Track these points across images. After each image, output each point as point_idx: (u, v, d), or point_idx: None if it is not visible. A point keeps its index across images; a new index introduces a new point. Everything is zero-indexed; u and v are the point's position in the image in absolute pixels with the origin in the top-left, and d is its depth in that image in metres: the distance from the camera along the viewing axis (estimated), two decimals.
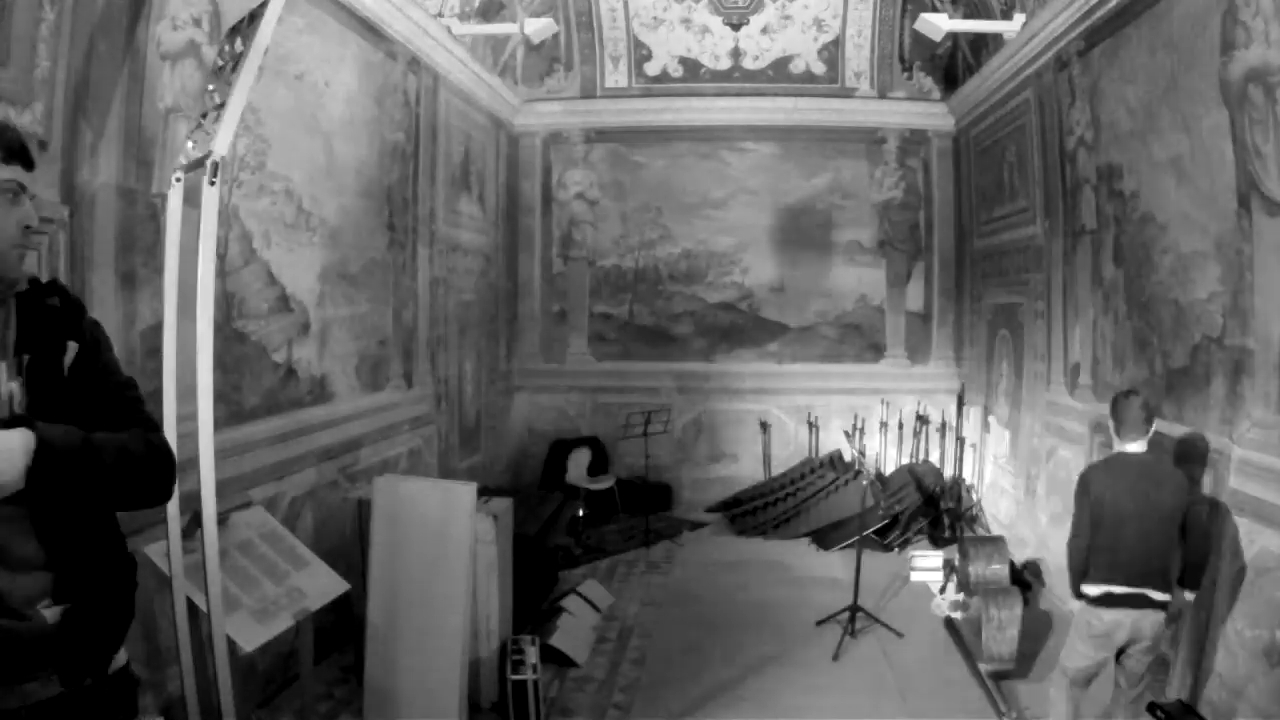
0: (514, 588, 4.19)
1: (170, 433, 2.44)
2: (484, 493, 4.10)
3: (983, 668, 4.11)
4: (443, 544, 3.67)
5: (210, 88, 2.50)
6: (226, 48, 2.54)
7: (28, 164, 1.48)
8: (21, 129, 2.57)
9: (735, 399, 8.02)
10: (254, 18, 2.47)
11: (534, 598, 4.90)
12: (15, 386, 1.43)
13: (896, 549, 6.36)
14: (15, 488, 1.31)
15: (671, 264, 8.12)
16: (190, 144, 2.49)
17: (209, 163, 2.27)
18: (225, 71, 2.44)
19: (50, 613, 1.45)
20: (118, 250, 3.01)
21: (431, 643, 3.64)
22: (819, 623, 4.84)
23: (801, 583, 5.71)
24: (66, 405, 1.48)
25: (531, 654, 3.72)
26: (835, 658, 4.45)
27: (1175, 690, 3.67)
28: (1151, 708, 3.21)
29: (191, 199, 2.50)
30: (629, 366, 8.12)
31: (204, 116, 2.44)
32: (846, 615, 4.77)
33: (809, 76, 7.92)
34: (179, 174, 2.49)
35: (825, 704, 3.97)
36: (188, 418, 2.52)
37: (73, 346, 1.53)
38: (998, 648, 4.07)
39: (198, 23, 3.39)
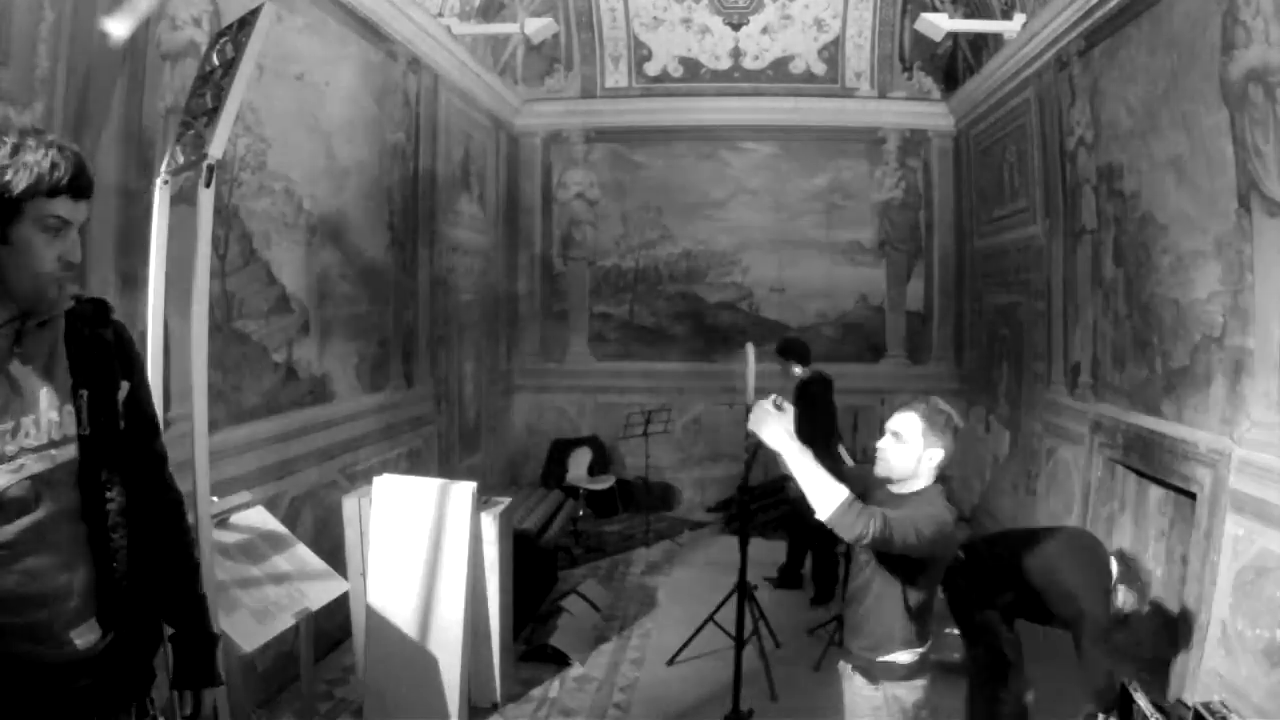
0: (514, 588, 4.19)
1: None
2: (484, 492, 4.10)
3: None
4: (442, 543, 3.68)
5: (201, 91, 2.49)
6: (215, 52, 2.53)
7: (78, 193, 1.40)
8: (21, 129, 2.58)
9: (736, 399, 8.01)
10: (244, 24, 2.46)
11: (533, 598, 4.90)
12: (59, 415, 1.43)
13: None
14: None
15: (671, 264, 8.12)
16: (179, 148, 2.48)
17: (204, 166, 2.27)
18: (216, 76, 2.44)
19: (83, 641, 1.45)
20: (118, 250, 3.01)
21: (432, 643, 3.65)
22: (810, 631, 4.82)
23: (805, 584, 5.70)
24: (117, 445, 1.51)
25: None
26: (816, 668, 4.39)
27: (1174, 690, 3.68)
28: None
29: (188, 199, 2.50)
30: (629, 366, 8.12)
31: (194, 119, 2.44)
32: (834, 624, 4.65)
33: (809, 76, 7.91)
34: (165, 177, 2.50)
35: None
36: (183, 418, 2.52)
37: (125, 385, 1.55)
38: None
39: (198, 23, 3.39)
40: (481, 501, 3.92)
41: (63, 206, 1.38)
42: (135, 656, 1.58)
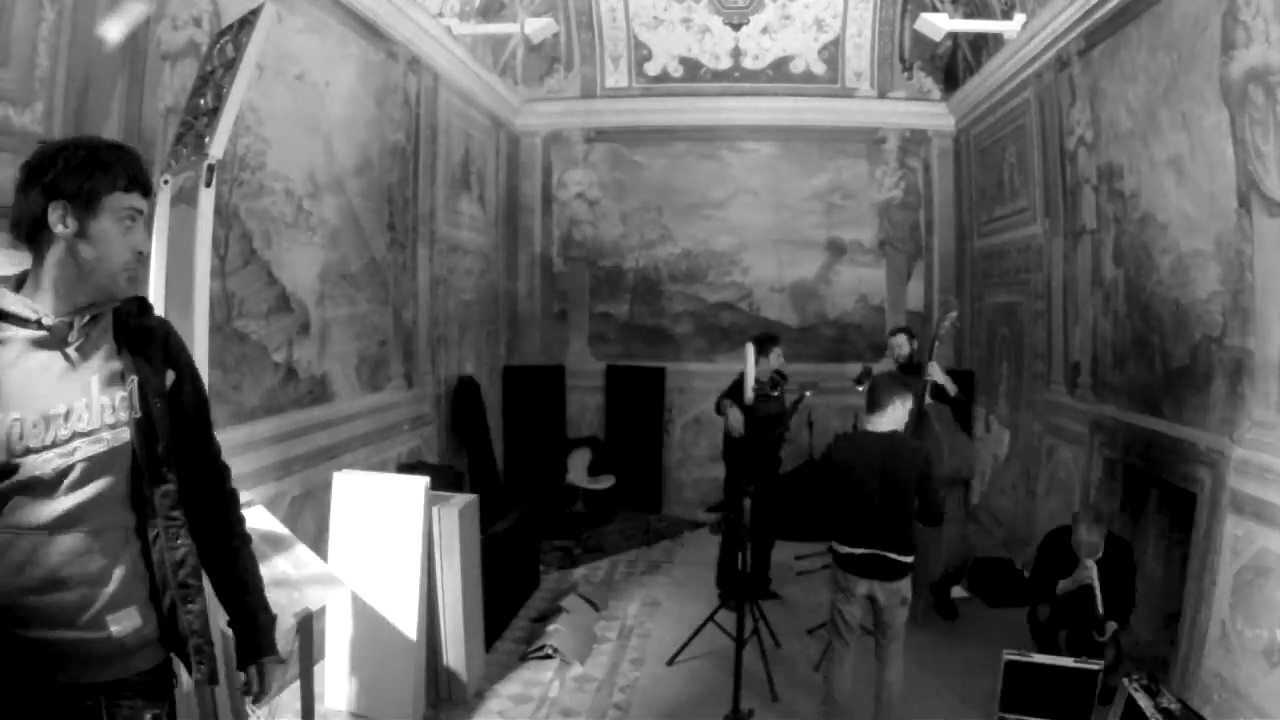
0: (487, 590, 4.16)
1: None
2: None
3: None
4: (396, 540, 3.68)
5: (201, 91, 2.49)
6: (216, 52, 2.53)
7: (146, 191, 1.52)
8: (21, 129, 2.58)
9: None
10: (244, 24, 2.47)
11: (508, 601, 4.88)
12: (111, 400, 1.49)
13: None
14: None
15: (672, 264, 8.11)
16: (179, 148, 2.49)
17: (204, 166, 2.27)
18: (216, 76, 2.44)
19: (120, 628, 1.48)
20: None
21: (387, 637, 3.66)
22: (809, 631, 4.81)
23: (806, 582, 5.71)
24: (168, 432, 1.57)
25: None
26: (816, 668, 4.35)
27: (1175, 690, 3.67)
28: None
29: (188, 199, 2.51)
30: (629, 366, 8.12)
31: (194, 119, 2.44)
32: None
33: (809, 76, 7.91)
34: (166, 177, 2.50)
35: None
36: None
37: (171, 374, 1.61)
38: None
39: (198, 23, 3.39)
40: (444, 497, 3.93)
41: (136, 200, 1.49)
42: (174, 647, 1.59)
